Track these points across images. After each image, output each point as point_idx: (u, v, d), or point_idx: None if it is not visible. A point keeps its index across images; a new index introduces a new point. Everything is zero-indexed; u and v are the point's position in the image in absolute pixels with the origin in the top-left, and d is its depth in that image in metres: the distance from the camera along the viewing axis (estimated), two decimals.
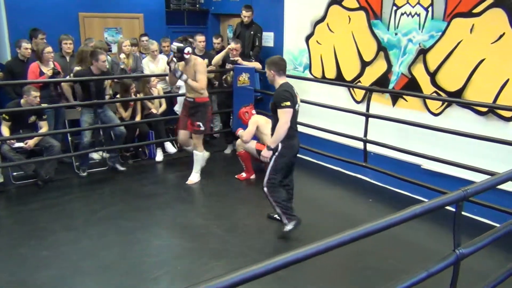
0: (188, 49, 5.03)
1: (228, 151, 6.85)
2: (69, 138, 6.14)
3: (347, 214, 4.79)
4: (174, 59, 5.09)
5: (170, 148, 6.60)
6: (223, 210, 4.84)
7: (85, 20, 7.53)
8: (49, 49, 5.71)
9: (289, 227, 4.08)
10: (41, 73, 5.67)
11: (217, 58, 6.50)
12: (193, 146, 5.53)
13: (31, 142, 5.25)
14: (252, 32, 6.73)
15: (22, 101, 5.24)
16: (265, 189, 4.07)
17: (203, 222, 4.52)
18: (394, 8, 5.16)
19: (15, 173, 5.51)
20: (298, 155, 4.22)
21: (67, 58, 6.25)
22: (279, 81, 4.03)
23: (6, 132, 5.25)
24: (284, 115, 3.85)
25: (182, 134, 5.51)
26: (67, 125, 6.15)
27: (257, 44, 6.73)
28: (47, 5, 7.06)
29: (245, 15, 6.73)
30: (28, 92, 5.16)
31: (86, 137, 5.62)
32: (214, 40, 7.00)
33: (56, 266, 3.65)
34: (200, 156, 5.52)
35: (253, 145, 5.44)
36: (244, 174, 5.72)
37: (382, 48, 5.36)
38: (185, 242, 4.13)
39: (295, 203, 4.29)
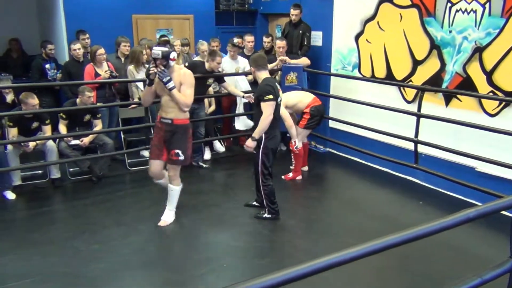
0: (173, 54, 4.07)
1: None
2: (122, 136, 6.35)
3: (395, 216, 4.66)
4: (156, 69, 4.06)
5: (219, 147, 6.68)
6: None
7: (138, 22, 7.77)
8: (101, 51, 5.92)
9: (267, 215, 4.48)
10: (96, 74, 5.90)
11: (271, 67, 6.54)
12: (168, 179, 4.44)
13: (86, 140, 5.49)
14: (300, 31, 6.69)
15: (77, 100, 5.48)
16: (261, 184, 4.40)
17: (249, 221, 4.54)
18: (449, 5, 4.97)
19: (71, 169, 5.76)
20: (345, 155, 4.23)
21: (122, 59, 6.45)
22: (261, 76, 4.30)
23: (63, 130, 5.51)
24: (268, 108, 4.14)
25: (155, 165, 4.34)
26: (120, 123, 6.36)
27: (305, 43, 6.68)
28: (102, 8, 7.33)
29: (293, 13, 6.70)
30: (83, 92, 5.39)
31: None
32: (265, 39, 7.01)
33: (107, 260, 3.78)
34: (177, 191, 4.44)
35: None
36: (291, 174, 5.70)
37: (435, 46, 5.19)
38: (231, 240, 4.17)
39: (340, 204, 4.24)
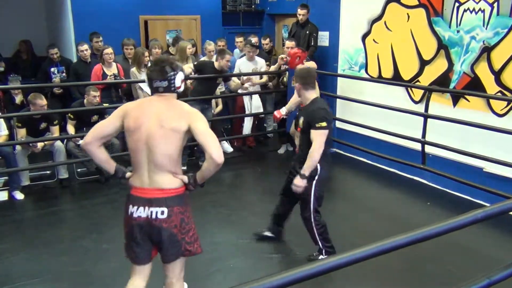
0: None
1: (282, 151, 6.84)
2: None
3: (403, 217, 4.65)
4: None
5: (227, 147, 6.70)
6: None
7: (148, 23, 7.80)
8: (108, 50, 5.95)
9: (323, 257, 3.65)
10: (104, 75, 5.93)
11: (273, 69, 6.55)
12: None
13: None
14: (307, 32, 6.69)
15: (85, 101, 5.51)
16: (313, 223, 3.67)
17: (256, 221, 4.54)
18: (457, 4, 4.96)
19: (79, 170, 5.80)
20: (352, 155, 4.11)
21: (129, 61, 6.44)
22: (309, 96, 3.58)
23: (71, 130, 5.54)
24: (320, 137, 3.43)
25: (142, 275, 2.72)
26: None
27: (312, 44, 6.67)
28: (110, 9, 7.38)
29: (301, 13, 6.70)
30: (88, 92, 5.43)
31: None
32: (263, 41, 7.06)
33: (115, 259, 3.80)
34: None
35: None
36: None
37: (443, 46, 5.17)
38: (238, 240, 4.18)
39: (347, 205, 4.22)
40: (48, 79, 6.51)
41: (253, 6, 8.73)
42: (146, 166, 2.49)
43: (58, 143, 5.39)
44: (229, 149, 6.70)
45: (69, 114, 5.57)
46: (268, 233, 4.12)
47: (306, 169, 3.49)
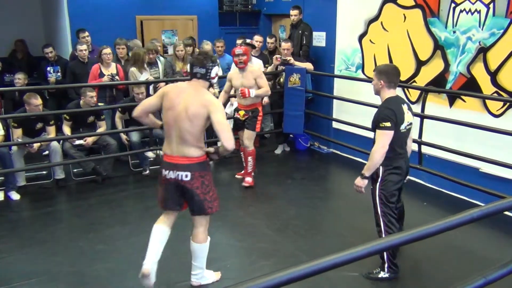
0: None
1: (278, 151, 6.85)
2: (124, 137, 6.36)
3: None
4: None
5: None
6: (273, 210, 4.85)
7: (144, 23, 7.79)
8: (106, 50, 5.94)
9: (384, 275, 3.45)
10: (101, 74, 5.91)
11: (270, 69, 6.54)
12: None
13: (89, 140, 5.50)
14: (300, 31, 6.71)
15: (81, 102, 5.49)
16: (382, 224, 3.40)
17: (253, 221, 4.54)
18: (453, 5, 4.97)
19: (75, 170, 5.79)
20: (349, 156, 4.03)
21: (122, 61, 6.42)
22: (385, 94, 3.41)
23: (67, 131, 5.53)
24: (382, 137, 3.28)
25: (167, 219, 3.36)
26: (123, 125, 6.37)
27: (304, 42, 6.68)
28: (107, 9, 7.38)
29: (292, 14, 6.74)
30: (85, 93, 5.40)
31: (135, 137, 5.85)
32: (268, 40, 7.02)
33: (111, 260, 3.80)
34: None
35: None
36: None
37: (439, 46, 5.18)
38: (235, 241, 4.17)
39: (344, 205, 4.20)
40: (45, 78, 6.50)
41: (249, 7, 8.74)
42: (175, 139, 3.06)
43: (54, 144, 5.37)
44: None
45: (65, 115, 5.55)
46: None
47: (366, 170, 3.39)
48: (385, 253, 3.38)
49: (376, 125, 3.35)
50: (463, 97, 4.97)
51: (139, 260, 3.79)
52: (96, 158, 5.68)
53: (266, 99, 6.39)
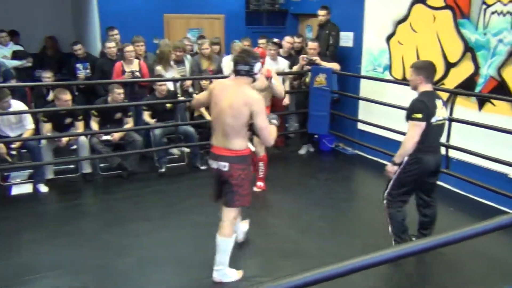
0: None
1: (303, 151, 6.83)
2: (151, 134, 6.44)
3: None
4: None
5: (251, 147, 6.69)
6: (296, 210, 4.84)
7: (170, 21, 7.87)
8: (129, 48, 6.02)
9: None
10: (124, 72, 6.00)
11: (296, 69, 6.53)
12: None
13: (116, 136, 5.60)
14: (327, 31, 6.68)
15: (109, 98, 5.59)
16: (384, 201, 3.77)
17: (275, 221, 4.55)
18: (484, 6, 4.86)
19: (102, 165, 5.90)
20: (374, 157, 4.02)
21: (141, 59, 6.42)
22: (421, 88, 3.57)
23: (95, 126, 5.64)
24: (412, 129, 3.47)
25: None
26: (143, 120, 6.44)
27: (330, 43, 6.64)
28: (135, 8, 7.47)
29: (320, 14, 6.71)
30: (112, 90, 5.50)
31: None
32: (296, 40, 6.99)
33: (135, 254, 3.86)
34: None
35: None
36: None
37: (469, 49, 5.08)
38: (257, 240, 4.18)
39: (369, 207, 4.13)
40: (74, 74, 6.64)
41: (276, 6, 8.72)
42: (220, 132, 3.25)
43: (82, 138, 5.48)
44: (252, 148, 6.69)
45: (93, 111, 5.66)
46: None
47: (397, 157, 3.60)
48: (389, 224, 3.75)
49: (408, 117, 3.51)
50: (493, 100, 4.86)
51: (162, 256, 3.87)
52: (122, 154, 5.78)
53: (287, 100, 6.39)
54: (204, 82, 6.21)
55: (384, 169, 3.73)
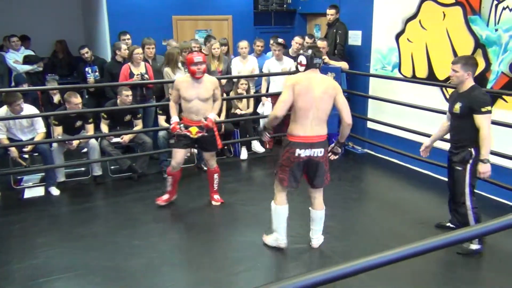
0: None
1: None
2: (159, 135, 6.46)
3: (436, 220, 4.49)
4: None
5: (258, 147, 6.70)
6: (307, 210, 4.81)
7: (178, 23, 7.90)
8: (137, 50, 6.04)
9: (475, 246, 3.73)
10: (131, 74, 6.01)
11: None
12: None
13: (126, 138, 5.63)
14: (334, 30, 6.66)
15: (118, 101, 5.62)
16: (468, 203, 3.74)
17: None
18: (495, 2, 4.80)
19: (112, 167, 5.92)
20: (384, 156, 4.05)
21: (150, 61, 6.43)
22: (469, 83, 3.69)
23: (105, 129, 5.67)
24: (486, 121, 3.58)
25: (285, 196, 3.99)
26: (158, 123, 6.46)
27: (338, 41, 6.62)
28: (144, 9, 7.50)
29: (329, 13, 6.72)
30: (120, 92, 5.53)
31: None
32: (307, 40, 6.97)
33: (146, 256, 3.87)
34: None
35: None
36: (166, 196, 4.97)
37: (480, 45, 5.02)
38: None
39: (380, 206, 4.13)
40: (84, 78, 6.69)
41: (285, 6, 8.71)
42: (311, 121, 3.54)
43: (93, 141, 5.52)
44: (261, 149, 6.71)
45: (103, 114, 5.69)
46: (449, 224, 4.10)
47: (486, 154, 3.61)
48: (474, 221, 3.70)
49: (476, 110, 3.58)
50: (504, 97, 4.80)
51: (173, 257, 3.87)
52: (132, 156, 5.80)
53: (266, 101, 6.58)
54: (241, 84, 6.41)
55: (479, 173, 3.66)
